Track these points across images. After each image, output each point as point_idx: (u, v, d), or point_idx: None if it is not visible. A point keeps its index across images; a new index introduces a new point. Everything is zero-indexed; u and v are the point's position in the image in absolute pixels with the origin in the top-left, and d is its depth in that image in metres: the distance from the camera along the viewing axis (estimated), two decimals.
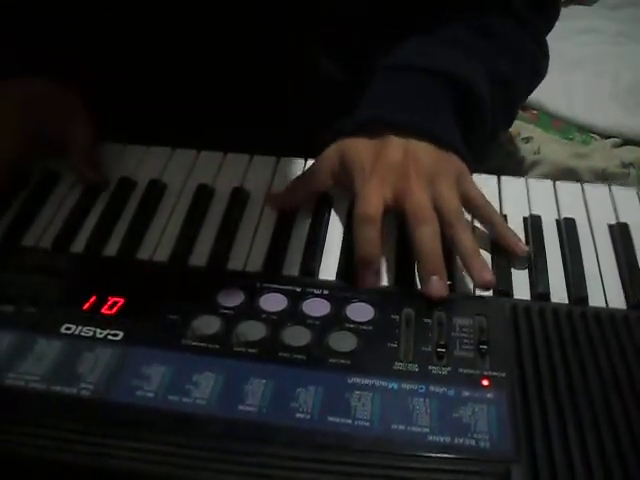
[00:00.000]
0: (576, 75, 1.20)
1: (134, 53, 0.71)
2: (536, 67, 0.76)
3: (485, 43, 0.69)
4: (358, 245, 0.57)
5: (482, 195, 0.61)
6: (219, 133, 0.68)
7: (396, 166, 0.59)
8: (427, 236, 0.56)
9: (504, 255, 0.59)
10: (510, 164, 1.05)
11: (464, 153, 0.63)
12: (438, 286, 0.54)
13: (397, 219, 0.61)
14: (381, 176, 0.59)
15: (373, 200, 0.58)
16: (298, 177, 0.65)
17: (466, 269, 0.56)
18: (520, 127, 1.10)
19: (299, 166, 0.68)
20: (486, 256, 0.58)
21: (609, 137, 1.10)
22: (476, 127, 0.67)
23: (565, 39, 1.24)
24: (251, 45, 0.71)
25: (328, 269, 0.57)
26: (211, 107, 0.73)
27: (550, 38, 0.78)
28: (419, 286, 0.56)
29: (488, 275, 0.55)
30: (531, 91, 0.80)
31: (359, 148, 0.62)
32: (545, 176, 1.01)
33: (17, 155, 0.65)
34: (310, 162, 0.68)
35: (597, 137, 1.11)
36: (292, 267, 0.57)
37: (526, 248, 0.59)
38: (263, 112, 0.71)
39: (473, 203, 0.60)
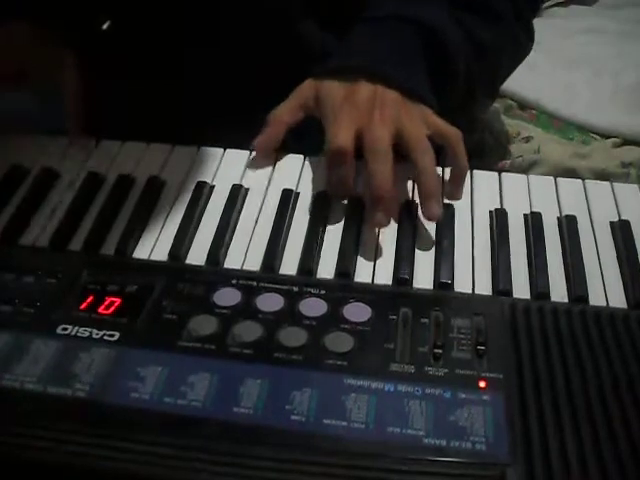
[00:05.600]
0: (576, 75, 1.20)
1: (130, 48, 0.71)
2: (517, 37, 0.78)
3: (463, 8, 0.72)
4: (331, 179, 0.62)
5: (452, 128, 0.64)
6: (216, 125, 0.69)
7: (363, 106, 0.63)
8: (377, 168, 0.59)
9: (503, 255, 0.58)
10: (509, 164, 1.04)
11: (432, 102, 0.66)
12: (381, 218, 0.58)
13: (397, 217, 0.61)
14: (348, 114, 0.62)
15: (342, 135, 0.61)
16: (271, 112, 0.67)
17: (419, 194, 0.60)
18: (520, 127, 1.10)
19: (298, 162, 0.68)
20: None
21: (609, 137, 1.10)
22: (447, 76, 0.70)
23: (565, 39, 1.24)
24: (249, 32, 0.71)
25: (326, 268, 0.57)
26: (208, 98, 0.73)
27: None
28: (417, 285, 0.56)
29: (435, 208, 0.59)
30: (515, 63, 0.82)
31: (332, 88, 0.65)
32: (545, 176, 1.01)
33: None
34: (309, 160, 0.68)
35: (597, 137, 1.11)
36: (290, 266, 0.57)
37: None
38: (262, 105, 0.71)
39: (441, 133, 0.64)
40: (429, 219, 0.60)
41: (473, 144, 0.67)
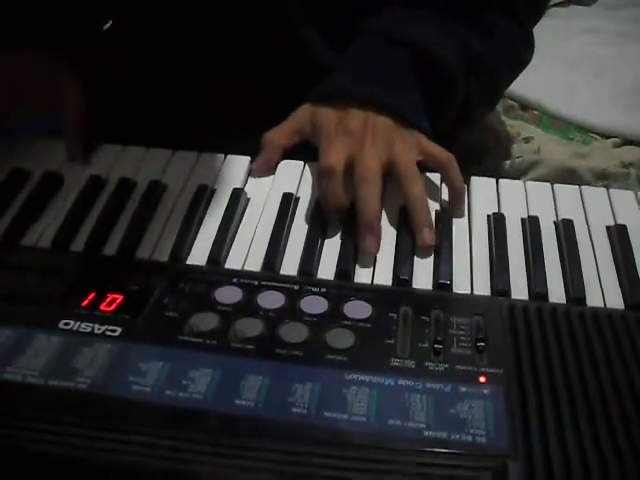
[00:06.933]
0: (576, 75, 1.20)
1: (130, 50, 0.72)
2: (516, 47, 0.77)
3: (457, 17, 0.71)
4: (323, 197, 0.62)
5: (444, 151, 0.64)
6: (220, 133, 0.69)
7: (355, 133, 0.63)
8: (366, 195, 0.60)
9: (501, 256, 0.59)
10: (510, 164, 1.05)
11: (425, 128, 0.66)
12: (370, 244, 0.58)
13: (396, 218, 0.62)
14: (341, 141, 0.63)
15: (334, 156, 0.62)
16: (266, 134, 0.67)
17: (412, 225, 0.60)
18: (520, 127, 1.10)
19: (298, 168, 0.68)
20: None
21: (609, 137, 1.10)
22: (444, 99, 0.69)
23: (565, 39, 1.24)
24: (252, 40, 0.71)
25: (326, 269, 0.57)
26: (207, 102, 0.74)
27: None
28: (417, 284, 0.56)
29: (427, 236, 0.59)
30: (514, 74, 0.80)
31: (326, 114, 0.66)
32: (545, 176, 1.01)
33: None
34: (309, 165, 0.68)
35: (597, 137, 1.11)
36: (290, 268, 0.57)
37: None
38: (263, 107, 0.71)
39: (432, 156, 0.64)
40: (422, 247, 0.59)
41: (472, 144, 0.66)
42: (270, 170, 0.67)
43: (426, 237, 0.59)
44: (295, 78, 0.70)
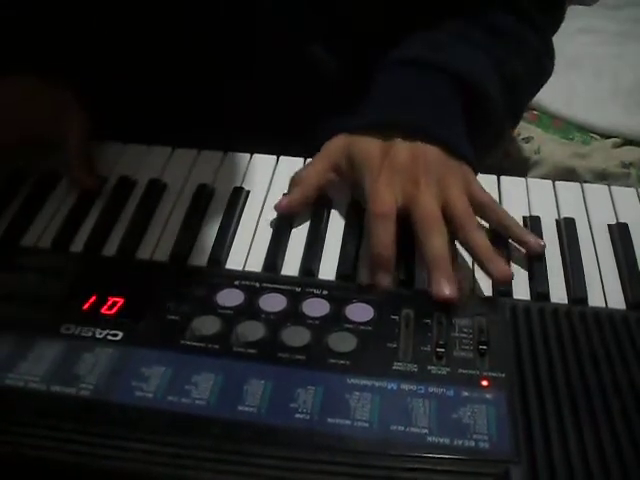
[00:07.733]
0: (576, 75, 1.20)
1: (131, 50, 0.71)
2: (542, 66, 0.76)
3: (494, 42, 0.69)
4: (374, 244, 0.56)
5: (490, 197, 0.61)
6: (217, 132, 0.68)
7: (405, 169, 0.59)
8: (436, 244, 0.56)
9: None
10: (510, 164, 1.05)
11: (471, 159, 0.62)
12: (448, 290, 0.53)
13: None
14: (390, 177, 0.59)
15: (387, 198, 0.58)
16: (299, 172, 0.64)
17: (482, 267, 0.56)
18: (520, 127, 1.10)
19: (299, 165, 0.67)
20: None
21: (609, 137, 1.11)
22: (483, 129, 0.67)
23: (565, 39, 1.24)
24: (248, 40, 0.71)
25: (328, 269, 0.57)
26: (209, 105, 0.73)
27: None
28: (419, 286, 0.56)
29: (506, 269, 0.55)
30: (537, 91, 0.79)
31: (368, 146, 0.61)
32: (545, 176, 1.01)
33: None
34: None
35: (597, 137, 1.11)
36: (292, 267, 0.57)
37: (542, 243, 0.59)
38: (261, 111, 0.71)
39: (482, 205, 0.60)
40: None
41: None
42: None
43: (505, 274, 0.55)
44: (296, 85, 0.69)
